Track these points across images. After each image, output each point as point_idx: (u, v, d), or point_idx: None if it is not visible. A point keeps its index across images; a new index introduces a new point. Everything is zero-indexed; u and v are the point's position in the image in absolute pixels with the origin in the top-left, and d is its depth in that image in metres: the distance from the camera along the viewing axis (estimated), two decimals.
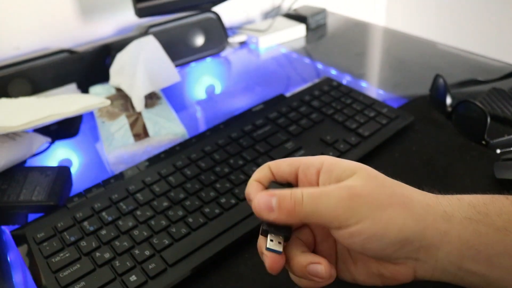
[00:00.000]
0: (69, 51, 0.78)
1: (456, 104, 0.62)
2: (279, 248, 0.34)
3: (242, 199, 0.50)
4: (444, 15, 1.31)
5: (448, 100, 0.64)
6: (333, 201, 0.32)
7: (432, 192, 0.36)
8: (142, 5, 0.67)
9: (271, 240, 0.34)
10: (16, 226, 0.51)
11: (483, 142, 0.59)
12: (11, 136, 0.58)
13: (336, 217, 0.32)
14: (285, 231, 0.34)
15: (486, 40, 1.22)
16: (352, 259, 0.36)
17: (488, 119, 0.57)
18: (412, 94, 0.74)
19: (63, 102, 0.59)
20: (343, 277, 0.37)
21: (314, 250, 0.37)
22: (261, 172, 0.37)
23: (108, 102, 0.57)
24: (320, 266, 0.33)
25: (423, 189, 0.36)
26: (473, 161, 0.57)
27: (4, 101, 0.64)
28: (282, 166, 0.37)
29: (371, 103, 0.66)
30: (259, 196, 0.34)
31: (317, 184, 0.36)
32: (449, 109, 0.64)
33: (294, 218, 0.33)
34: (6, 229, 0.54)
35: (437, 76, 0.68)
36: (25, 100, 0.64)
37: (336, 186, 0.33)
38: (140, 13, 0.68)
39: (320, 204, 0.32)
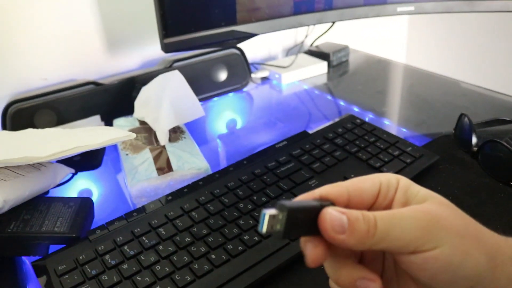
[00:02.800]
0: (95, 83, 0.80)
1: (482, 143, 0.61)
2: (265, 228, 0.28)
3: (266, 237, 0.50)
4: (465, 53, 1.31)
5: (474, 140, 0.63)
6: (408, 222, 0.29)
7: None
8: (169, 40, 0.68)
9: (274, 217, 0.28)
10: (37, 257, 0.50)
11: (511, 183, 0.58)
12: (36, 166, 0.59)
13: (412, 240, 0.29)
14: (291, 231, 0.29)
15: (509, 78, 1.21)
16: (398, 285, 0.33)
17: None
18: (436, 132, 0.73)
19: (89, 134, 0.59)
20: None
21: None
22: (334, 191, 0.32)
23: (133, 135, 0.57)
24: (374, 285, 0.30)
25: None
26: (502, 203, 0.56)
27: (31, 131, 0.65)
28: (364, 187, 0.32)
29: (395, 141, 0.65)
30: (332, 212, 0.29)
31: (391, 206, 0.33)
32: (475, 148, 0.63)
33: (363, 245, 0.29)
34: (27, 260, 0.54)
35: (462, 115, 0.67)
36: (51, 131, 0.64)
37: (409, 208, 0.30)
38: (167, 48, 0.69)
39: (395, 227, 0.29)
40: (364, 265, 0.33)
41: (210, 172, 0.62)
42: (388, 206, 0.33)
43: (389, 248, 0.29)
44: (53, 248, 0.52)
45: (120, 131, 0.59)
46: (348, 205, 0.32)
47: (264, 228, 0.28)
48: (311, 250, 0.30)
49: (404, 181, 0.33)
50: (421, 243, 0.29)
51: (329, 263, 0.32)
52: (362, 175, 0.33)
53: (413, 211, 0.30)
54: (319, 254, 0.30)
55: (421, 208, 0.30)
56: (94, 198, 0.65)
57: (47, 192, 0.62)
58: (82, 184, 0.68)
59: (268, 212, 0.28)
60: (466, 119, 0.66)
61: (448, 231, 0.29)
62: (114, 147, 0.72)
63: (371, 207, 0.33)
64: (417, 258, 0.29)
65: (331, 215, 0.29)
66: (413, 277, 0.31)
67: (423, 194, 0.31)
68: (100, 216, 0.59)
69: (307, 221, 0.29)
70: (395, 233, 0.29)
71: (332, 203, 0.31)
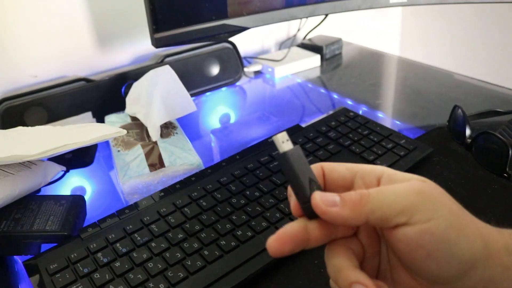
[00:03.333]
0: (86, 80, 0.79)
1: (476, 135, 0.61)
2: (280, 148, 0.31)
3: (259, 232, 0.49)
4: (458, 45, 1.31)
5: (467, 131, 0.63)
6: (401, 192, 0.29)
7: None
8: (159, 35, 0.67)
9: (283, 142, 0.31)
10: (29, 256, 0.50)
11: (505, 175, 0.57)
12: (27, 164, 0.58)
13: (405, 209, 0.29)
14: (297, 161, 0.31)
15: (503, 70, 1.21)
16: (393, 282, 0.33)
17: (510, 151, 0.56)
18: (429, 125, 0.73)
19: (79, 131, 0.59)
20: None
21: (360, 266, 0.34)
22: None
23: (124, 131, 0.57)
24: None
25: None
26: (495, 194, 0.55)
27: (21, 129, 0.64)
28: (338, 168, 0.33)
29: (388, 134, 0.65)
30: (321, 193, 0.31)
31: None
32: (469, 140, 0.63)
33: (358, 214, 0.29)
34: (19, 259, 0.53)
35: (455, 107, 0.67)
36: (41, 128, 0.64)
37: (404, 183, 0.30)
38: (157, 43, 0.68)
39: (388, 196, 0.29)
40: (364, 262, 0.34)
41: (203, 167, 0.62)
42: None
43: (384, 218, 0.29)
44: (45, 247, 0.52)
45: (110, 127, 0.59)
46: (326, 186, 0.34)
47: (280, 150, 0.31)
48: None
49: (389, 171, 0.33)
50: (415, 210, 0.29)
51: (330, 264, 0.32)
52: None
53: (406, 183, 0.30)
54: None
55: (414, 181, 0.30)
56: (87, 196, 0.64)
57: (39, 190, 0.61)
58: (75, 182, 0.67)
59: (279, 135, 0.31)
60: (459, 111, 0.65)
61: (443, 205, 0.29)
62: (107, 143, 0.71)
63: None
64: (413, 231, 0.29)
65: (321, 194, 0.30)
66: (408, 263, 0.31)
67: (411, 176, 0.32)
68: (93, 214, 0.59)
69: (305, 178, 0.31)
70: (388, 201, 0.29)
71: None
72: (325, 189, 0.34)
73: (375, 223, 0.30)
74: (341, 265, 0.31)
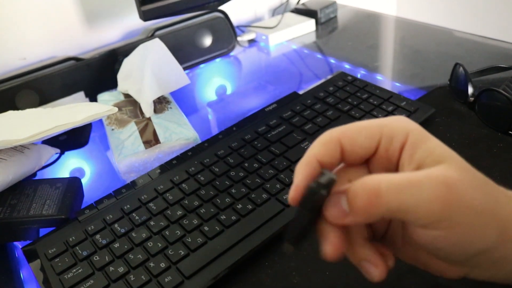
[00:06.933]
0: (76, 59, 0.77)
1: (479, 93, 0.59)
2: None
3: (260, 204, 0.48)
4: (456, 0, 1.27)
5: (470, 90, 0.61)
6: (426, 195, 0.26)
7: None
8: (146, 7, 0.65)
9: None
10: (28, 242, 0.49)
11: (510, 132, 0.56)
12: (19, 149, 0.57)
13: (427, 215, 0.26)
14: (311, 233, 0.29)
15: (504, 24, 1.18)
16: (403, 241, 0.32)
17: None
18: (431, 85, 0.71)
19: (70, 111, 0.57)
20: None
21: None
22: (327, 149, 0.30)
23: (115, 109, 0.55)
24: (374, 270, 0.29)
25: None
26: (501, 153, 0.54)
27: (12, 113, 0.62)
28: (358, 140, 0.30)
29: (388, 96, 0.63)
30: (330, 206, 0.28)
31: (397, 162, 0.30)
32: (471, 99, 0.61)
33: (374, 216, 0.27)
34: (19, 245, 0.53)
35: (456, 65, 0.65)
36: (32, 111, 0.62)
37: (427, 175, 0.26)
38: (145, 16, 0.66)
39: (410, 197, 0.26)
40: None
41: (199, 141, 0.60)
42: (392, 158, 0.30)
43: (402, 219, 0.27)
44: (43, 231, 0.51)
45: (102, 106, 0.57)
46: (343, 160, 0.31)
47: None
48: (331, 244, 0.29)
49: (415, 136, 0.29)
50: (436, 219, 0.26)
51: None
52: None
53: (430, 180, 0.26)
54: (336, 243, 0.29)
55: (439, 177, 0.26)
56: (85, 177, 0.63)
57: (35, 174, 0.60)
58: (72, 164, 0.66)
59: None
60: (461, 68, 0.63)
61: (466, 207, 0.27)
62: (102, 123, 0.70)
63: (371, 158, 0.31)
64: (428, 233, 0.27)
65: (328, 209, 0.28)
66: (420, 244, 0.30)
67: (439, 153, 0.28)
68: (93, 195, 0.57)
69: (311, 223, 0.29)
70: (409, 203, 0.26)
71: (330, 180, 0.28)
72: (344, 161, 0.31)
73: (392, 217, 0.28)
74: (353, 239, 0.30)
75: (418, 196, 0.26)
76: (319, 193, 0.27)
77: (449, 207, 0.26)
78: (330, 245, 0.28)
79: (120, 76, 0.71)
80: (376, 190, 0.26)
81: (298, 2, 1.05)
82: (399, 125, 0.29)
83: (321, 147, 0.30)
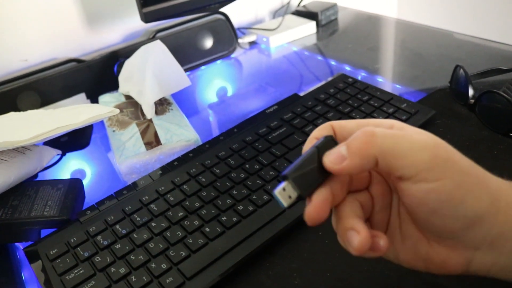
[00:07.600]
0: (77, 60, 0.77)
1: (479, 95, 0.59)
2: (285, 202, 0.30)
3: (260, 205, 0.48)
4: (457, 3, 1.28)
5: (470, 92, 0.61)
6: (416, 144, 0.28)
7: None
8: (148, 9, 0.65)
9: (284, 189, 0.30)
10: (29, 243, 0.49)
11: (511, 134, 0.56)
12: (21, 150, 0.57)
13: (417, 164, 0.28)
14: (305, 188, 0.30)
15: (504, 26, 1.18)
16: (402, 236, 0.33)
17: None
18: (431, 87, 0.71)
19: (71, 113, 0.57)
20: (386, 254, 0.34)
21: (368, 219, 0.34)
22: (323, 130, 0.33)
23: (117, 111, 0.55)
24: (356, 236, 0.29)
25: None
26: (501, 155, 0.54)
27: (13, 114, 0.63)
28: (347, 125, 0.33)
29: (389, 98, 0.63)
30: (329, 154, 0.30)
31: None
32: (472, 100, 0.61)
33: (368, 156, 0.29)
34: (20, 246, 0.53)
35: (457, 67, 0.65)
36: (34, 112, 0.62)
37: (417, 132, 0.30)
38: (146, 18, 0.66)
39: (401, 143, 0.29)
40: (371, 222, 0.34)
41: (200, 143, 0.60)
42: None
43: (393, 166, 0.29)
44: (44, 232, 0.51)
45: (103, 107, 0.57)
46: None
47: (284, 204, 0.30)
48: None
49: (399, 125, 0.32)
50: (425, 169, 0.28)
51: (334, 215, 0.32)
52: None
53: (420, 134, 0.29)
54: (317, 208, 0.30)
55: (429, 136, 0.29)
56: (87, 178, 0.63)
57: (36, 175, 0.60)
58: (74, 165, 0.66)
59: (277, 190, 0.30)
60: (461, 70, 0.64)
61: (454, 163, 0.29)
62: (103, 124, 0.70)
63: None
64: (420, 187, 0.29)
65: (328, 155, 0.30)
66: (413, 216, 0.32)
67: (424, 131, 0.30)
68: (94, 196, 0.57)
69: (314, 170, 0.30)
70: (400, 148, 0.28)
71: (330, 137, 0.32)
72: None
73: (383, 165, 0.29)
74: (343, 214, 0.31)
75: (409, 144, 0.28)
76: (330, 139, 0.31)
77: (436, 159, 0.28)
78: (312, 206, 0.30)
79: (122, 77, 0.71)
80: (372, 131, 0.29)
81: (299, 4, 1.05)
82: (384, 119, 0.33)
83: (317, 130, 0.34)
